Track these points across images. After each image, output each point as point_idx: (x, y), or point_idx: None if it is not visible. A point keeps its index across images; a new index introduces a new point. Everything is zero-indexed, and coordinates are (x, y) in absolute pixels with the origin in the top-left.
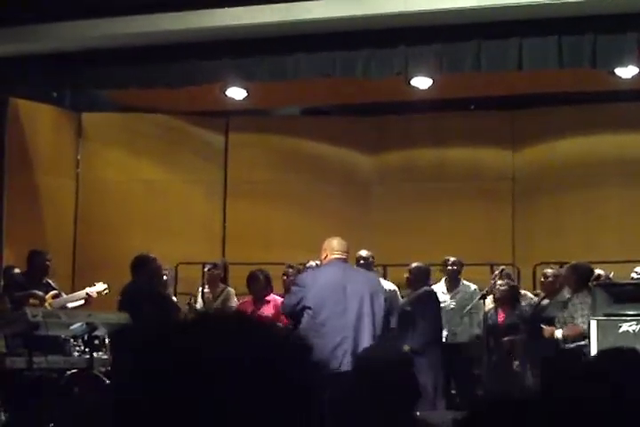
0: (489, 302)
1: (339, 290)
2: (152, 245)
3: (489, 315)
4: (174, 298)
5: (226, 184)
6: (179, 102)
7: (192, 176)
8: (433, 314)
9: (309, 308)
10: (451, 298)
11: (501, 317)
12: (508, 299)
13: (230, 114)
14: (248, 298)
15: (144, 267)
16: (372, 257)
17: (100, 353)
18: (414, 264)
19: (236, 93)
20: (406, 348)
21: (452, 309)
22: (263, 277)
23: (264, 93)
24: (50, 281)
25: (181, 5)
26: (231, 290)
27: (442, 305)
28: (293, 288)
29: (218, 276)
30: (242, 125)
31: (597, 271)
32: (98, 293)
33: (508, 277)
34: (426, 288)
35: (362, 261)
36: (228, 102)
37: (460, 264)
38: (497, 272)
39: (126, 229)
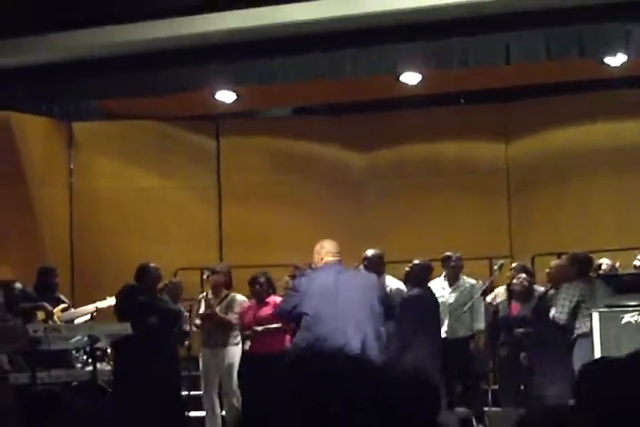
0: (500, 294)
1: (333, 295)
2: (149, 252)
3: (500, 307)
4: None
5: (220, 188)
6: (168, 108)
7: (186, 182)
8: (413, 320)
9: (306, 313)
10: (451, 293)
11: (515, 309)
12: (525, 293)
13: (220, 117)
14: (251, 302)
15: (144, 276)
16: (380, 256)
17: (104, 364)
18: (415, 261)
19: (226, 96)
20: None
21: (450, 304)
22: (265, 279)
23: (254, 95)
24: (61, 296)
25: (167, 13)
26: (235, 296)
27: (441, 300)
28: (288, 293)
29: (220, 281)
30: (233, 128)
31: (601, 261)
32: (108, 306)
33: (525, 270)
34: (419, 289)
35: (366, 262)
36: (217, 105)
37: (461, 260)
38: (495, 267)
39: (122, 237)
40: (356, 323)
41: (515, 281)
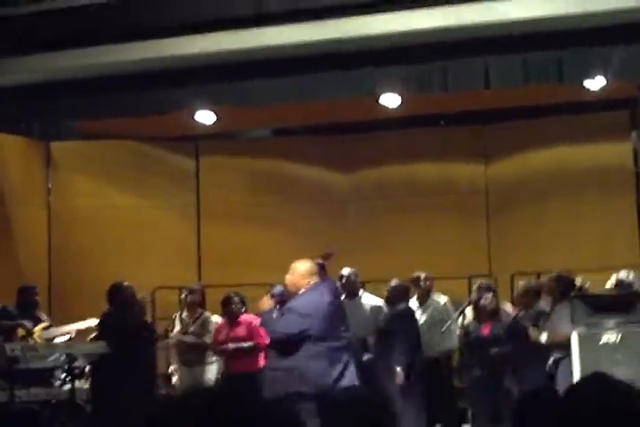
0: (468, 314)
1: (338, 317)
2: (128, 271)
3: (471, 328)
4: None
5: (199, 208)
6: (147, 128)
7: (165, 201)
8: (413, 333)
9: (310, 335)
10: (422, 313)
11: (486, 329)
12: (493, 311)
13: (200, 138)
14: (222, 321)
15: (118, 295)
16: (355, 274)
17: (82, 382)
18: (393, 282)
19: (205, 117)
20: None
21: (422, 324)
22: (239, 299)
23: (234, 116)
24: (41, 314)
25: (146, 35)
26: (209, 315)
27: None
28: (293, 317)
29: (196, 301)
30: (212, 149)
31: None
32: (87, 328)
33: (489, 289)
34: (404, 306)
35: (344, 280)
36: (197, 126)
37: (431, 279)
38: (475, 286)
39: (101, 256)
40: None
41: (483, 301)
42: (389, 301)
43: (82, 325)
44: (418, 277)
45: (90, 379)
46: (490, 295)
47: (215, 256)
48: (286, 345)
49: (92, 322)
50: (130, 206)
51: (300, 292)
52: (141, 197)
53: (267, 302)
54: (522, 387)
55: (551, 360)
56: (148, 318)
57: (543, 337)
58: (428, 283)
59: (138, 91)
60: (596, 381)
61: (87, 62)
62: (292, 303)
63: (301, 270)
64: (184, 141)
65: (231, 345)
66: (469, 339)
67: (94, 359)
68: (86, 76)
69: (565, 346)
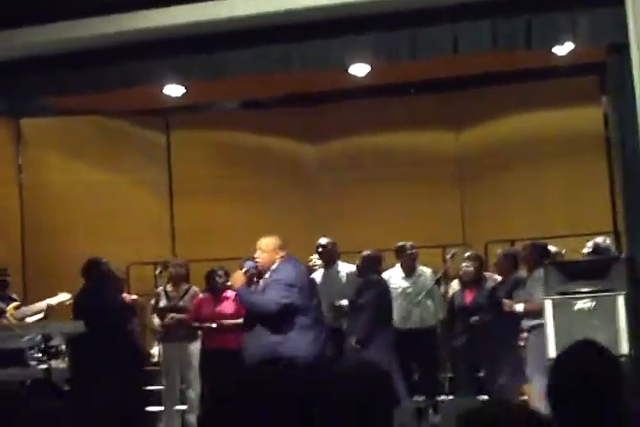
0: (455, 284)
1: (314, 288)
2: (101, 247)
3: (455, 296)
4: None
5: (171, 182)
6: (117, 103)
7: (136, 176)
8: (375, 304)
9: (299, 306)
10: (412, 283)
11: (469, 298)
12: (473, 280)
13: (169, 111)
14: (207, 295)
15: (94, 271)
16: (334, 244)
17: (59, 361)
18: (364, 253)
19: (174, 91)
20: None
21: (409, 293)
22: (223, 273)
23: (202, 89)
24: (12, 295)
25: (112, 8)
26: (196, 289)
27: (399, 290)
28: (284, 288)
29: (181, 274)
30: (182, 122)
31: (551, 248)
32: (60, 302)
33: (477, 258)
34: (371, 277)
35: (320, 249)
36: (166, 100)
37: (416, 249)
38: (448, 256)
39: (74, 233)
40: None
41: (464, 269)
42: (360, 271)
43: (54, 300)
44: (403, 246)
45: (67, 358)
46: (470, 264)
47: (188, 231)
48: (271, 318)
49: (64, 296)
50: (102, 182)
51: (274, 266)
52: (113, 172)
53: (240, 278)
54: (497, 355)
55: (525, 328)
56: (132, 293)
57: (517, 307)
58: (414, 251)
59: (105, 65)
60: (584, 348)
61: (53, 38)
62: (276, 275)
63: (274, 245)
64: (154, 115)
65: (227, 322)
66: (453, 307)
67: (71, 338)
68: (52, 52)
69: (539, 314)
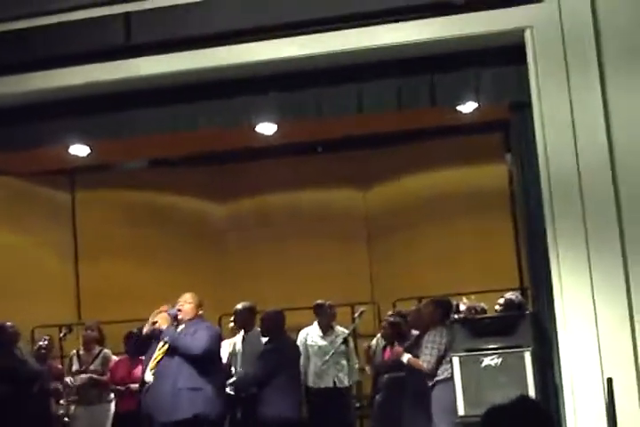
0: (377, 340)
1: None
2: (5, 310)
3: (376, 353)
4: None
5: (76, 243)
6: (21, 162)
7: (41, 237)
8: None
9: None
10: (330, 342)
11: (387, 354)
12: (392, 336)
13: (75, 171)
14: (123, 357)
15: (1, 334)
16: (249, 309)
17: None
18: (266, 311)
19: (80, 150)
20: None
21: (326, 352)
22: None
23: (108, 148)
24: None
25: (16, 68)
26: (108, 352)
27: (315, 349)
28: (211, 335)
29: (93, 337)
30: (88, 182)
31: (460, 303)
32: None
33: (401, 315)
34: (270, 346)
35: (237, 316)
36: (72, 159)
37: (334, 308)
38: (356, 314)
39: None
40: None
41: (383, 327)
42: (264, 331)
43: None
44: (322, 305)
45: None
46: (388, 319)
47: (94, 292)
48: (202, 362)
49: None
50: (6, 243)
51: (193, 321)
52: (18, 233)
53: (166, 318)
54: (409, 413)
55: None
56: (50, 358)
57: (404, 358)
58: (332, 311)
59: (8, 125)
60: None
61: None
62: (204, 325)
63: (198, 301)
64: (59, 175)
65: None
66: (373, 364)
67: None
68: None
69: (429, 374)
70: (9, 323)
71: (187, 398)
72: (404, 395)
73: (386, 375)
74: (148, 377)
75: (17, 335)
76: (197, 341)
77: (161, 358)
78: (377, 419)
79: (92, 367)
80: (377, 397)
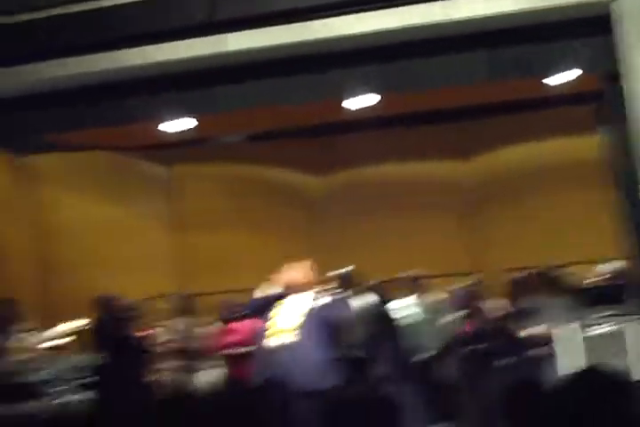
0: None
1: None
2: (111, 282)
3: (458, 325)
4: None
5: (175, 216)
6: (120, 138)
7: (142, 210)
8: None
9: None
10: (420, 311)
11: (469, 326)
12: (475, 310)
13: (173, 146)
14: (218, 326)
15: (107, 306)
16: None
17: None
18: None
19: (178, 126)
20: None
21: (419, 322)
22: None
23: (206, 123)
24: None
25: (109, 45)
26: (194, 321)
27: (412, 319)
28: None
29: (187, 308)
30: (187, 156)
31: (560, 273)
32: (75, 328)
33: (475, 286)
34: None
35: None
36: (169, 134)
37: (427, 278)
38: (453, 287)
39: (83, 268)
40: None
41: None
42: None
43: (70, 326)
44: (415, 277)
45: (84, 392)
46: (469, 291)
47: (194, 264)
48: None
49: (81, 322)
50: (107, 217)
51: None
52: (118, 206)
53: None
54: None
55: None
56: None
57: (527, 332)
58: (425, 282)
59: (106, 101)
60: (593, 374)
61: (54, 75)
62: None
63: (308, 273)
64: (157, 150)
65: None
66: (456, 336)
67: (88, 372)
68: (54, 89)
69: (548, 342)
70: (115, 293)
71: (333, 367)
72: (486, 368)
73: (471, 347)
74: (274, 342)
75: (124, 305)
76: (340, 310)
77: (296, 326)
78: (462, 390)
79: (179, 337)
80: (458, 369)
